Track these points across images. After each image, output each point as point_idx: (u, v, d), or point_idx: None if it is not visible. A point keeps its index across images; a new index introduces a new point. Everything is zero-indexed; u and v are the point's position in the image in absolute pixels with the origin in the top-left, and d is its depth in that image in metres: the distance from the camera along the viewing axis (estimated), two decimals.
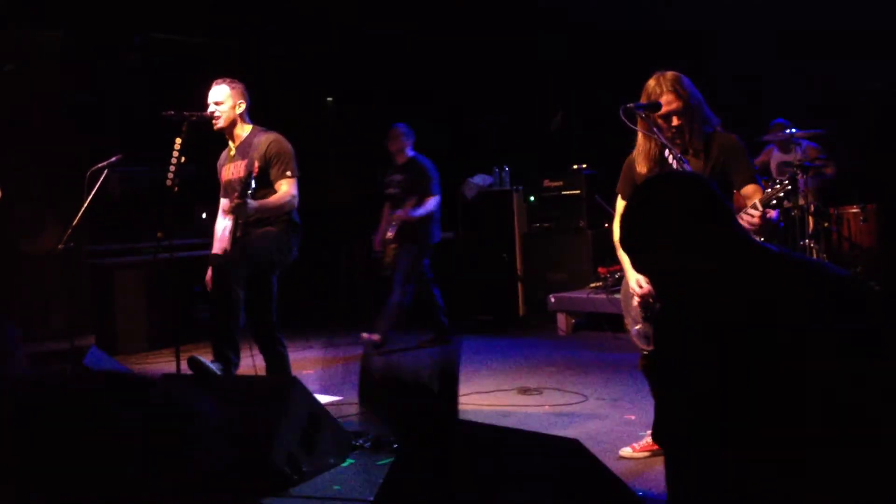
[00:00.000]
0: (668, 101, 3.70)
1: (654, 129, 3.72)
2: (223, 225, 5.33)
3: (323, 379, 6.61)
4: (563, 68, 8.63)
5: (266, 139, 5.10)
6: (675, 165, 3.69)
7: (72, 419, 4.00)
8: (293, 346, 8.02)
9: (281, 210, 5.03)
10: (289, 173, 5.06)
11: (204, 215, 8.40)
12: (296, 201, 5.08)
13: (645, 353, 4.03)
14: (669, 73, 3.75)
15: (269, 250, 5.06)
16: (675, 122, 3.71)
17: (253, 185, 4.92)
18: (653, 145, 3.80)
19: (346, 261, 10.37)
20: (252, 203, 4.85)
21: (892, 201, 6.74)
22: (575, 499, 2.60)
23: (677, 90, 3.69)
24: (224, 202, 5.36)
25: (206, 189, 6.29)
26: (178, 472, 3.79)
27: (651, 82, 3.77)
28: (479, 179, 9.39)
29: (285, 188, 5.04)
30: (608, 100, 4.01)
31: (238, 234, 5.03)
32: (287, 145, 5.13)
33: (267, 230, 5.05)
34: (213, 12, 8.54)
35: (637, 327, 4.03)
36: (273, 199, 5.01)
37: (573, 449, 2.63)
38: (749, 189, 3.70)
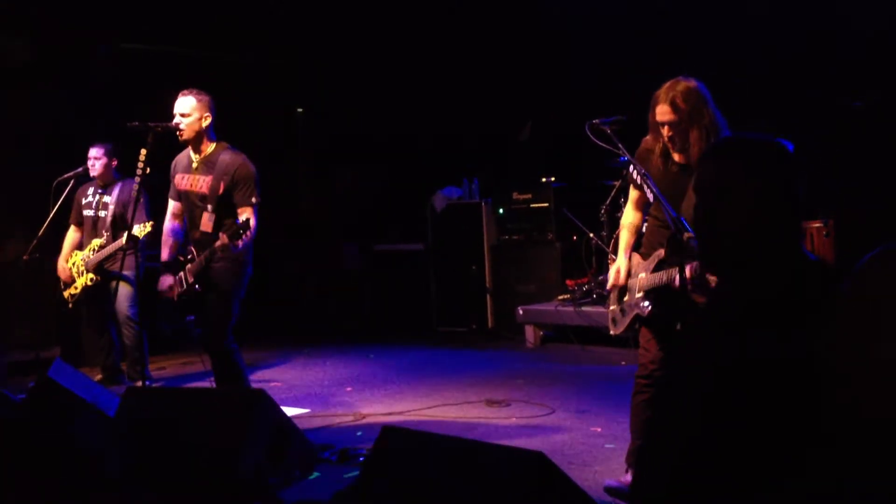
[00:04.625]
0: (662, 112, 3.71)
1: (620, 145, 3.76)
2: (170, 226, 5.35)
3: (290, 391, 6.59)
4: (532, 80, 8.68)
5: (234, 161, 5.06)
6: (638, 181, 3.72)
7: (31, 437, 3.99)
8: (262, 358, 7.99)
9: (245, 244, 4.91)
10: (253, 199, 5.03)
11: None
12: (254, 232, 4.97)
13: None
14: (682, 84, 3.71)
15: (232, 285, 5.06)
16: (666, 132, 3.72)
17: (210, 217, 4.99)
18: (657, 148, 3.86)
19: (316, 272, 10.35)
20: (201, 259, 4.90)
21: (848, 216, 6.85)
22: None
23: (675, 103, 3.66)
24: (175, 205, 5.34)
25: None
26: (144, 485, 3.77)
27: (661, 89, 3.75)
28: (449, 192, 9.42)
29: (245, 217, 4.95)
30: (577, 112, 4.04)
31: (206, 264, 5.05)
32: (252, 168, 5.10)
33: (226, 267, 5.03)
34: (181, 22, 8.51)
35: (613, 307, 4.11)
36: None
37: (538, 462, 2.65)
38: None
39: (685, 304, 3.65)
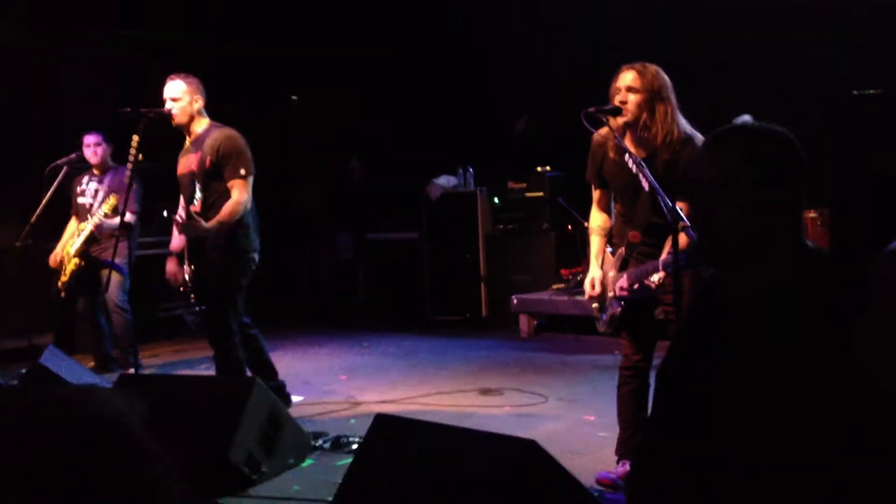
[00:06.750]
0: (626, 78, 3.64)
1: (616, 134, 3.73)
2: (180, 215, 5.30)
3: (283, 379, 6.57)
4: (528, 69, 8.65)
5: (219, 135, 4.99)
6: (633, 170, 3.70)
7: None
8: None
9: (234, 219, 4.88)
10: (242, 171, 4.92)
11: (165, 213, 8.33)
12: (248, 204, 4.94)
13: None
14: (651, 65, 3.67)
15: (227, 273, 5.02)
16: (621, 97, 3.62)
17: (199, 195, 4.91)
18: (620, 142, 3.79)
19: (311, 261, 10.33)
20: (204, 225, 4.79)
21: (844, 205, 6.84)
22: (532, 499, 2.62)
23: (643, 72, 3.62)
24: (182, 197, 5.31)
25: (166, 187, 6.23)
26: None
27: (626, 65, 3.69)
28: (444, 180, 9.39)
29: (236, 195, 4.89)
30: (573, 102, 4.01)
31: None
32: (240, 142, 5.00)
33: (222, 254, 4.98)
34: (176, 9, 8.47)
35: (595, 305, 4.06)
36: (225, 210, 4.88)
37: (530, 450, 2.64)
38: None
39: (656, 297, 3.67)
